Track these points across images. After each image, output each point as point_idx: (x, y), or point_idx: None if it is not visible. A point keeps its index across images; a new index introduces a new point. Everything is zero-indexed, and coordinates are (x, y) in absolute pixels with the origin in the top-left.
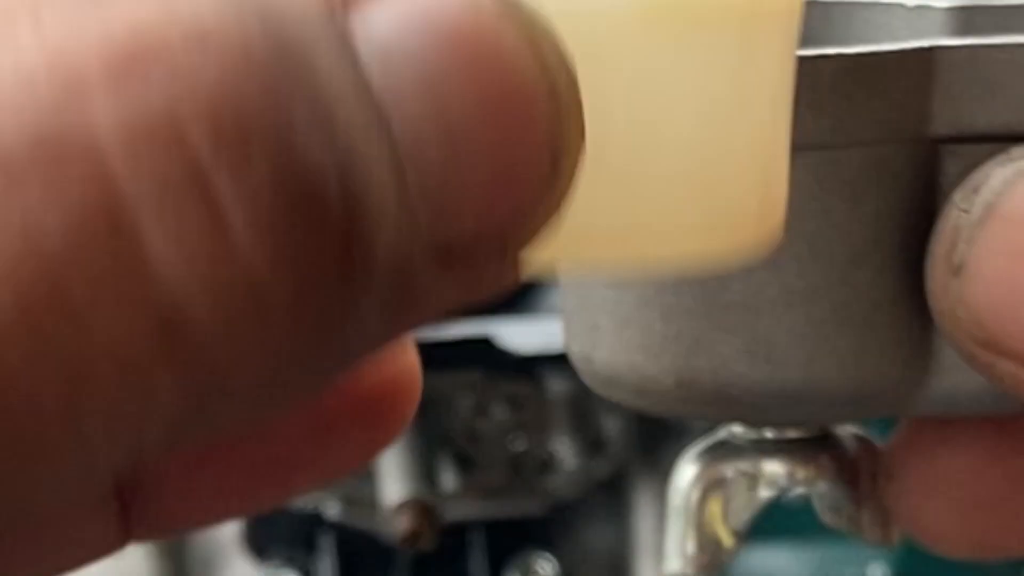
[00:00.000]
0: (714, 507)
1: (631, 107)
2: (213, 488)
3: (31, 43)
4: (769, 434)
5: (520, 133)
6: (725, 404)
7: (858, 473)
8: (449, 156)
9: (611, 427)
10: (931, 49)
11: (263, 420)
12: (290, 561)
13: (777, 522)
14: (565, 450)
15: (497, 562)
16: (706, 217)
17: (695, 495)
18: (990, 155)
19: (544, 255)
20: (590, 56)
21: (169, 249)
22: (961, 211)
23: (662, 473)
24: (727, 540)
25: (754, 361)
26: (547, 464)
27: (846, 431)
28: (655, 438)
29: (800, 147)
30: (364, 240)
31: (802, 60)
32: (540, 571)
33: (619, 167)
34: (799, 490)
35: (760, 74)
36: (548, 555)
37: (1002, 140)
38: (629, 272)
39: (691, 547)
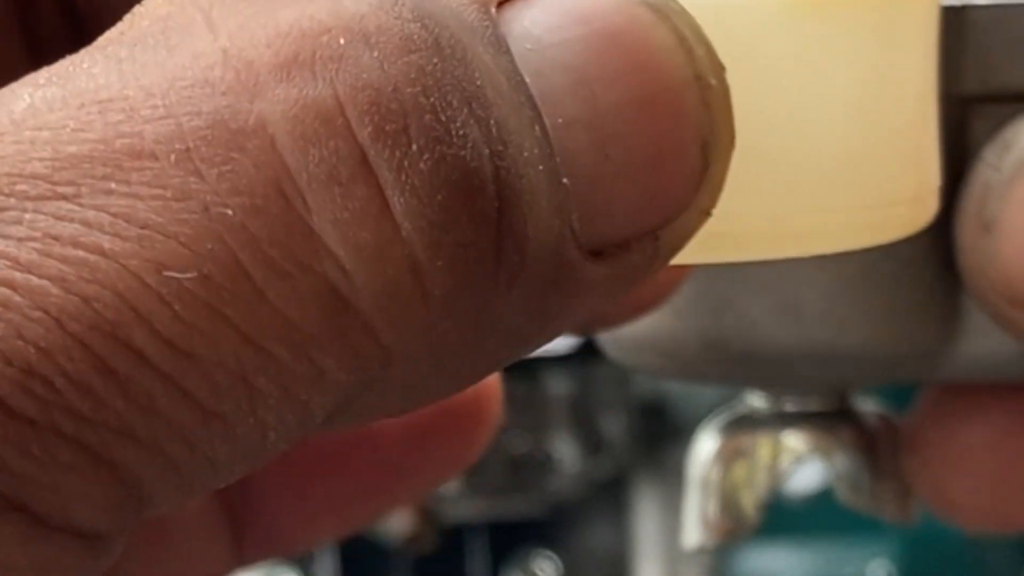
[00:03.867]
0: (737, 475)
1: (778, 98)
2: (322, 501)
3: (206, 37)
4: (789, 407)
5: (671, 130)
6: (752, 367)
7: (877, 447)
8: (600, 155)
9: (611, 427)
10: (963, 8)
11: (414, 409)
12: (290, 560)
13: (777, 522)
14: (565, 450)
15: (497, 562)
16: (861, 205)
17: (717, 466)
18: (1018, 114)
19: (693, 247)
20: (735, 48)
21: (337, 229)
22: (992, 168)
23: (662, 473)
24: (749, 509)
25: (783, 321)
26: (547, 464)
27: (867, 406)
28: (655, 438)
29: None
30: (516, 230)
31: None
32: (540, 571)
33: (770, 159)
34: (819, 461)
35: (904, 58)
36: (548, 555)
37: None
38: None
39: (713, 513)
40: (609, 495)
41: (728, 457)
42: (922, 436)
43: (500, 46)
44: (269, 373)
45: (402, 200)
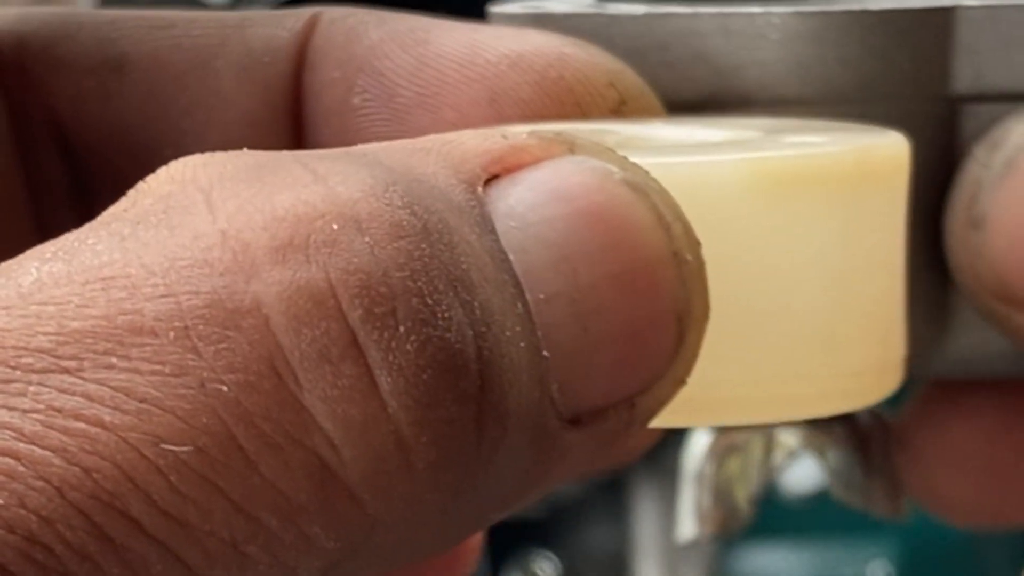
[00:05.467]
0: (731, 470)
1: (750, 271)
2: None
3: (206, 218)
4: None
5: (649, 304)
6: None
7: (870, 444)
8: (580, 328)
9: None
10: (953, 8)
11: (398, 568)
12: None
13: (777, 522)
14: None
15: (497, 562)
16: (828, 374)
17: (711, 460)
18: (1008, 114)
19: (668, 412)
20: (709, 223)
21: (326, 405)
22: (982, 166)
23: (661, 473)
24: (742, 503)
25: None
26: None
27: None
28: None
29: (827, 101)
30: (497, 406)
31: (832, 16)
32: (540, 571)
33: (742, 329)
34: (812, 457)
35: (873, 232)
36: (548, 555)
37: (1022, 99)
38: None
39: (707, 507)
40: (608, 495)
41: (722, 452)
42: (913, 433)
43: (486, 225)
44: (259, 541)
45: (389, 379)
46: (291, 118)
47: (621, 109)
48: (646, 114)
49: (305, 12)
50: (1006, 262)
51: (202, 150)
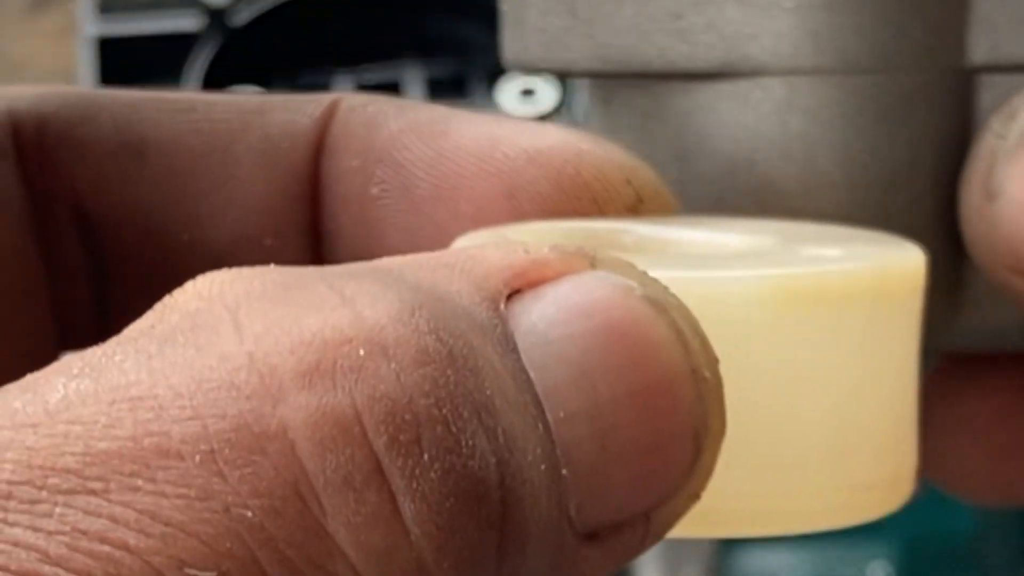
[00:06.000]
0: None
1: (766, 386)
2: None
3: (233, 339)
4: None
5: (667, 421)
6: None
7: None
8: (599, 447)
9: None
10: None
11: None
12: None
13: None
14: None
15: None
16: (840, 487)
17: None
18: None
19: (681, 523)
20: (726, 338)
21: (349, 531)
22: (998, 137)
23: None
24: None
25: None
26: None
27: None
28: None
29: (841, 71)
30: (518, 531)
31: None
32: None
33: (756, 444)
34: None
35: (887, 349)
36: None
37: None
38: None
39: None
40: None
41: None
42: (926, 407)
43: (508, 344)
44: None
45: (412, 506)
46: (309, 204)
47: (637, 207)
48: (661, 211)
49: (325, 99)
50: (1021, 235)
51: (220, 235)
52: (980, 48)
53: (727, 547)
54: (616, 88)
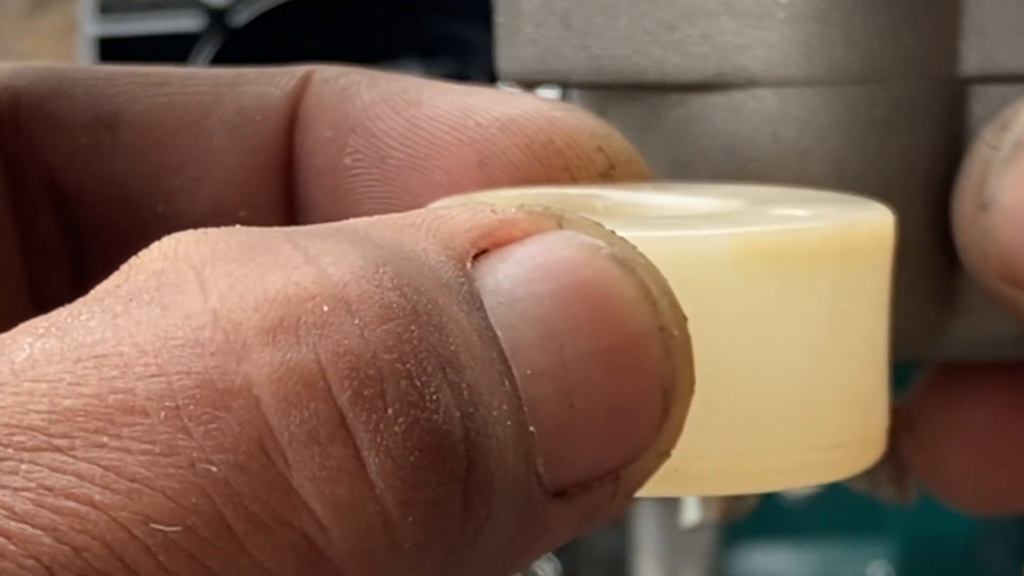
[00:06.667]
0: None
1: (735, 345)
2: None
3: (197, 298)
4: None
5: (635, 379)
6: None
7: None
8: (566, 404)
9: None
10: None
11: None
12: None
13: (777, 522)
14: None
15: None
16: (811, 446)
17: None
18: (1017, 96)
19: (652, 482)
20: (694, 297)
21: (314, 485)
22: (990, 147)
23: None
24: None
25: None
26: None
27: None
28: None
29: (834, 81)
30: (483, 485)
31: None
32: (540, 571)
33: (726, 402)
34: None
35: (856, 306)
36: (548, 555)
37: None
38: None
39: None
40: None
41: None
42: (920, 416)
43: (474, 303)
44: None
45: (376, 460)
46: (283, 176)
47: (610, 173)
48: (634, 178)
49: (298, 71)
50: (1013, 244)
51: (194, 207)
52: (972, 58)
53: (727, 547)
54: (610, 99)
